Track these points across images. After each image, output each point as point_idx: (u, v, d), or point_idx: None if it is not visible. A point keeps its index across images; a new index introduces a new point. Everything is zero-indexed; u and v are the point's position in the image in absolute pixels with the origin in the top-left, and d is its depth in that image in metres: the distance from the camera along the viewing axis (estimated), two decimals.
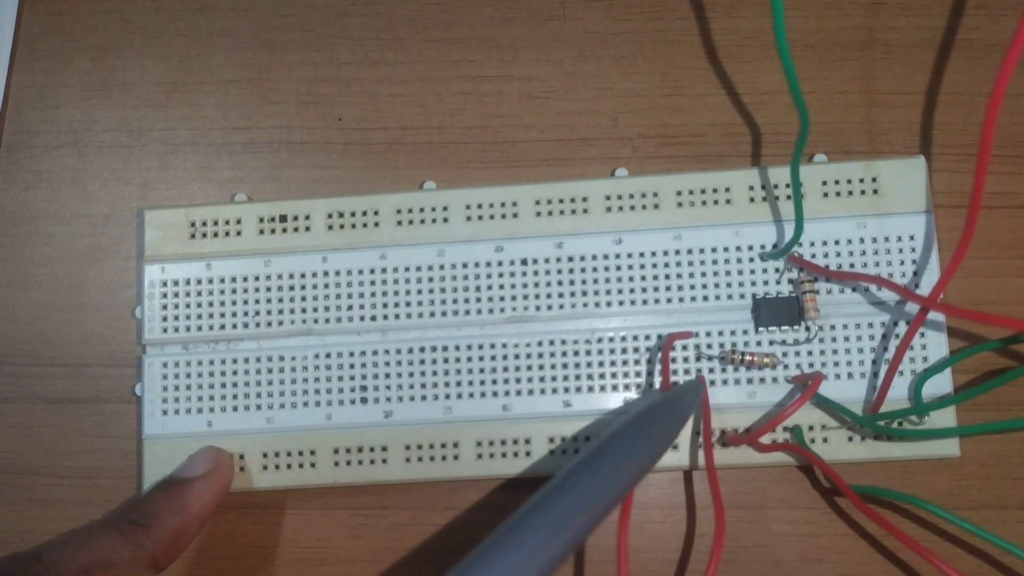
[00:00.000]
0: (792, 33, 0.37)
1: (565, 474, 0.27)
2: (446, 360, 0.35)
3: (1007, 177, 0.36)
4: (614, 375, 0.35)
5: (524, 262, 0.36)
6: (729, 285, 0.35)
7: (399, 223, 0.36)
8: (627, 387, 0.35)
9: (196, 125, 0.39)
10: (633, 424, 0.30)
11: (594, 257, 0.35)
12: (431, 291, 0.36)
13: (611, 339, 0.35)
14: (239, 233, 0.37)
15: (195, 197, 0.38)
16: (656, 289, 0.35)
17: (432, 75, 0.38)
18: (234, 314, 0.36)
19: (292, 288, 0.36)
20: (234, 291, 0.36)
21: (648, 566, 0.35)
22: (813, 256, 0.35)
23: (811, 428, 0.34)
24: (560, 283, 0.35)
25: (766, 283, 0.35)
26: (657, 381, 0.34)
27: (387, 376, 0.35)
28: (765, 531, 0.35)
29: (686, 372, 0.35)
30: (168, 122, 0.39)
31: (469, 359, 0.35)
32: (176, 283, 0.37)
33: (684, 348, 0.35)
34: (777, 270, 0.35)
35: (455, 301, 0.36)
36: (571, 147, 0.38)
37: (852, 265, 0.34)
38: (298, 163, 0.38)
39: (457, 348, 0.35)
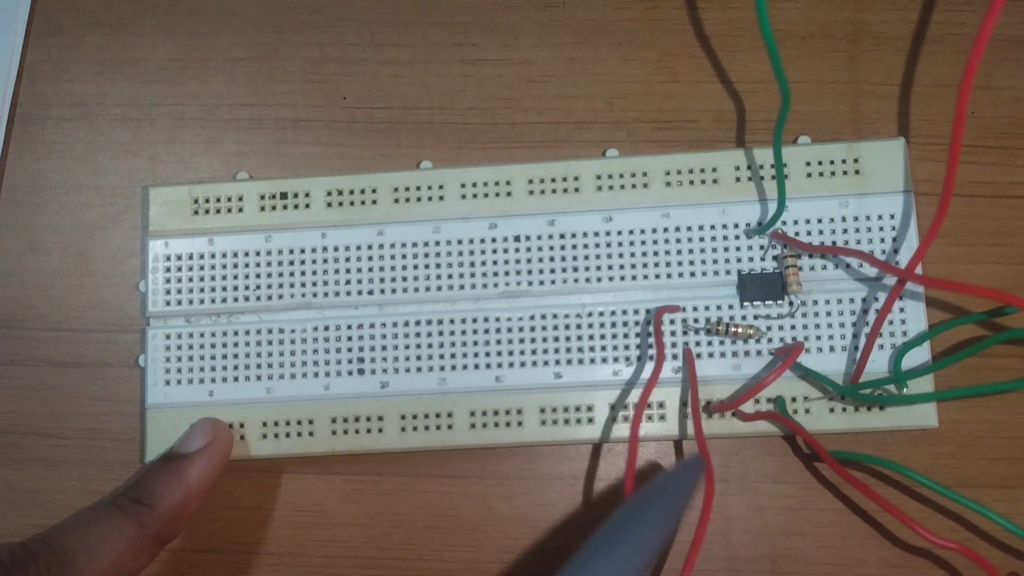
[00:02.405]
0: (783, 24, 0.39)
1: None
2: (441, 333, 0.36)
3: (989, 167, 0.37)
4: (603, 348, 0.36)
5: (517, 239, 0.37)
6: (715, 261, 0.36)
7: (396, 201, 0.37)
8: (616, 359, 0.36)
9: (204, 101, 0.40)
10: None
11: (585, 234, 0.36)
12: (427, 267, 0.37)
13: (601, 313, 0.36)
14: (241, 210, 0.38)
15: (201, 171, 0.39)
16: (645, 265, 0.36)
17: (435, 57, 0.40)
18: (235, 288, 0.37)
19: (292, 263, 0.37)
20: (235, 266, 0.37)
21: None
22: (797, 234, 0.36)
23: (794, 399, 0.35)
24: (552, 259, 0.36)
25: (751, 259, 0.36)
26: (646, 353, 0.35)
27: (384, 348, 0.36)
28: (748, 503, 0.36)
29: (673, 345, 0.36)
30: (177, 97, 0.40)
31: (463, 332, 0.36)
32: (179, 258, 0.38)
33: (672, 322, 0.36)
34: (762, 247, 0.36)
35: (450, 276, 0.37)
36: (568, 130, 0.39)
37: (834, 243, 0.35)
38: (302, 140, 0.39)
39: (452, 322, 0.36)
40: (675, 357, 0.36)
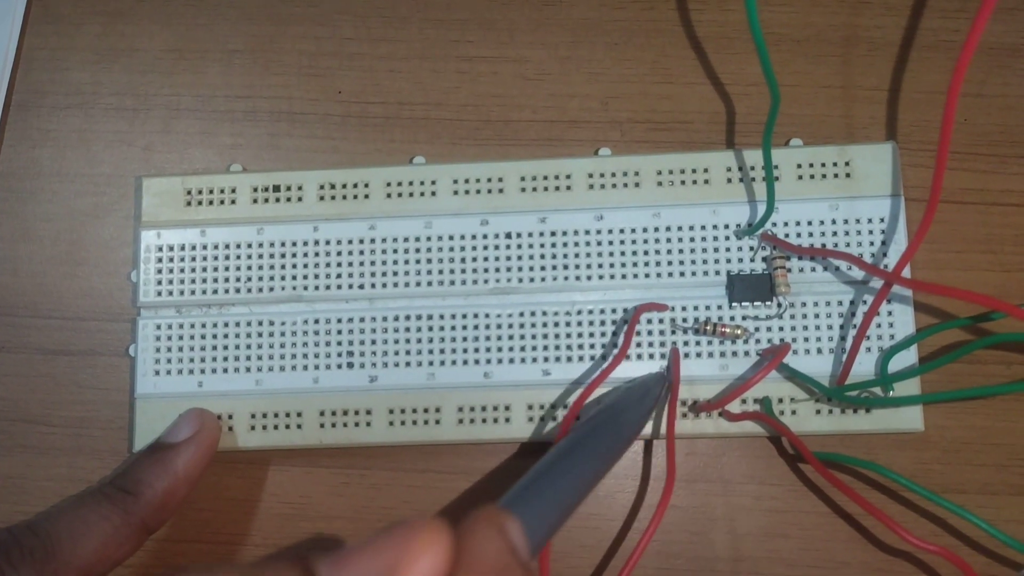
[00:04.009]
0: (778, 28, 0.39)
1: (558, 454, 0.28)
2: (430, 328, 0.36)
3: (979, 174, 0.37)
4: (592, 346, 0.36)
5: (508, 236, 0.37)
6: (705, 262, 0.36)
7: (388, 195, 0.37)
8: (604, 358, 0.36)
9: (200, 92, 0.40)
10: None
11: (576, 232, 0.37)
12: (418, 262, 0.37)
13: (590, 311, 0.36)
14: (233, 202, 0.38)
15: (195, 162, 0.39)
16: (635, 264, 0.36)
17: (431, 53, 0.40)
18: (227, 279, 0.37)
19: (283, 256, 0.37)
20: (227, 257, 0.38)
21: (617, 532, 0.36)
22: (787, 236, 0.36)
23: (780, 401, 0.35)
24: (543, 256, 0.37)
25: (740, 260, 0.36)
26: (633, 352, 0.35)
27: (373, 342, 0.37)
28: (732, 504, 0.36)
29: (661, 344, 0.36)
30: (173, 88, 0.40)
31: (453, 328, 0.36)
32: (171, 248, 0.38)
33: (660, 321, 0.36)
34: (752, 248, 0.36)
35: (441, 272, 0.37)
36: (562, 128, 0.39)
37: (824, 245, 0.36)
38: (297, 133, 0.39)
39: (441, 317, 0.36)
40: (663, 356, 0.36)
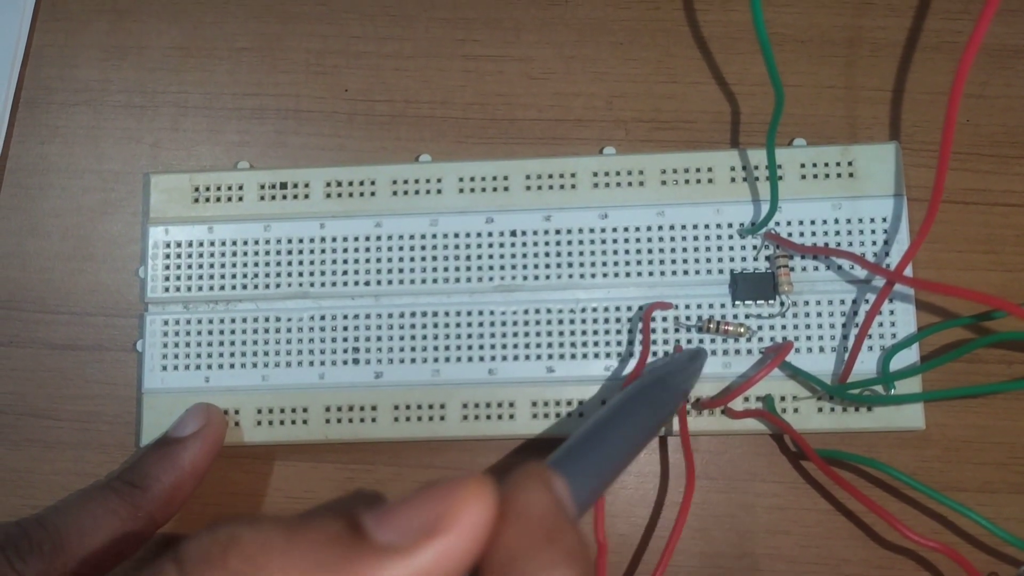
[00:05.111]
0: (782, 28, 0.39)
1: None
2: (436, 325, 0.37)
3: (982, 175, 0.37)
4: (596, 343, 0.36)
5: (513, 233, 0.37)
6: (708, 260, 0.36)
7: (395, 193, 0.38)
8: (608, 355, 0.36)
9: (208, 90, 0.40)
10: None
11: (580, 230, 0.37)
12: (423, 259, 0.37)
13: (594, 309, 0.36)
14: (241, 199, 0.38)
15: (203, 159, 0.40)
16: (639, 262, 0.36)
17: (437, 52, 0.40)
18: (234, 276, 0.38)
19: (290, 252, 0.38)
20: (234, 254, 0.38)
21: (620, 528, 0.36)
22: (790, 235, 0.36)
23: (782, 399, 0.35)
24: (547, 254, 0.37)
25: (744, 259, 0.36)
26: (637, 349, 0.36)
27: (379, 339, 0.37)
28: (734, 502, 0.36)
29: (665, 342, 0.36)
30: (181, 85, 0.40)
31: (458, 325, 0.37)
32: (179, 244, 0.38)
33: (664, 319, 0.36)
34: (755, 247, 0.36)
35: (446, 269, 0.37)
36: (567, 127, 0.39)
37: (826, 244, 0.36)
38: (304, 131, 0.40)
39: (447, 314, 0.37)
40: (666, 354, 0.36)
